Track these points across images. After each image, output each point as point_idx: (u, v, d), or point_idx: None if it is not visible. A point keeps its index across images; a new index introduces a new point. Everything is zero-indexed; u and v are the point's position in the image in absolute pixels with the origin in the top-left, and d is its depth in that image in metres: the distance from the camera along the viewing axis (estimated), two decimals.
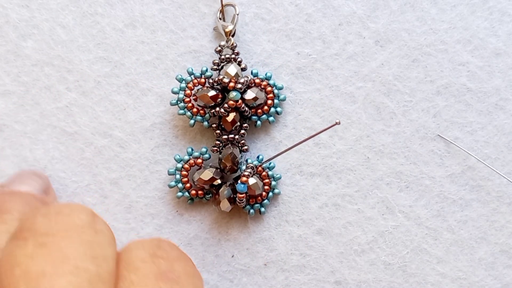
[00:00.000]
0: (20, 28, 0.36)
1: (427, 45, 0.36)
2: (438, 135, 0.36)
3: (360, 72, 0.36)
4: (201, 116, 0.35)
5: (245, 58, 0.36)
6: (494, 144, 0.36)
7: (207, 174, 0.35)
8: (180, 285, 0.23)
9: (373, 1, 0.36)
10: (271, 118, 0.36)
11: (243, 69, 0.35)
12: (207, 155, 0.35)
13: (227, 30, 0.35)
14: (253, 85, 0.35)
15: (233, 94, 0.34)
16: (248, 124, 0.35)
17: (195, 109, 0.35)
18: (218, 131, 0.35)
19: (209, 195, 0.36)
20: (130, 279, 0.22)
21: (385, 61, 0.36)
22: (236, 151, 0.35)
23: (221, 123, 0.35)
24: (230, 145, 0.35)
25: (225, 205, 0.35)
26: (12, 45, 0.36)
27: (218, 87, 0.35)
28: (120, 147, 0.36)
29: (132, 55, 0.36)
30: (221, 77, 0.34)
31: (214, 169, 0.35)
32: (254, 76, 0.35)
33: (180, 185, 0.35)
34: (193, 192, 0.35)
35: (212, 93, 0.34)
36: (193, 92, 0.35)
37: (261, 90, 0.35)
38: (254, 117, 0.35)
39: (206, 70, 0.35)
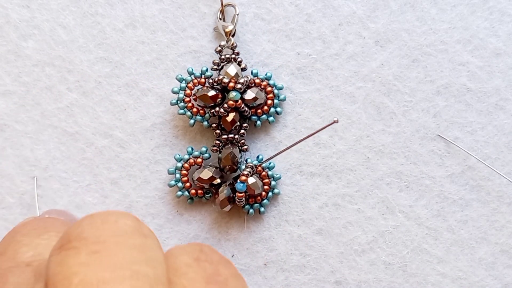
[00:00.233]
0: (20, 28, 0.37)
1: (427, 45, 0.36)
2: (438, 135, 0.36)
3: (360, 72, 0.36)
4: (201, 116, 0.35)
5: (245, 58, 0.36)
6: (494, 144, 0.36)
7: (206, 173, 0.35)
8: (229, 287, 0.23)
9: (373, 1, 0.36)
10: (271, 118, 0.36)
11: (243, 69, 0.35)
12: (207, 155, 0.35)
13: (227, 30, 0.35)
14: (253, 85, 0.35)
15: (233, 94, 0.34)
16: (248, 124, 0.35)
17: (195, 109, 0.35)
18: (218, 131, 0.35)
19: (209, 195, 0.36)
20: (182, 284, 0.22)
21: (385, 61, 0.36)
22: (236, 150, 0.35)
23: (221, 123, 0.35)
24: (230, 144, 0.35)
25: (225, 204, 0.35)
26: (13, 45, 0.37)
27: (218, 87, 0.35)
28: (121, 147, 0.37)
29: (133, 55, 0.36)
30: (221, 77, 0.34)
31: (214, 168, 0.35)
32: (254, 76, 0.35)
33: (180, 184, 0.35)
34: (193, 191, 0.35)
35: (212, 93, 0.34)
36: (193, 92, 0.35)
37: (261, 90, 0.35)
38: (254, 117, 0.36)
39: (206, 70, 0.35)
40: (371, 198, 0.36)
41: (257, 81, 0.35)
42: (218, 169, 0.35)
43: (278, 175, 0.36)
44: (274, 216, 0.36)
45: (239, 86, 0.34)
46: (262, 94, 0.35)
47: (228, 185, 0.35)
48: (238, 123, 0.35)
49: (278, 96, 0.36)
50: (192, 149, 0.36)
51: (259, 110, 0.35)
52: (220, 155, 0.35)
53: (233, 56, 0.35)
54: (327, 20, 0.36)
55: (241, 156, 0.36)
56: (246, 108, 0.35)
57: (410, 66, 0.36)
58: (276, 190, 0.36)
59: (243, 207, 0.35)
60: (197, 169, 0.35)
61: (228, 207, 0.35)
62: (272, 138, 0.36)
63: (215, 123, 0.35)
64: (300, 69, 0.36)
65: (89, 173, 0.37)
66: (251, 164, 0.34)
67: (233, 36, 0.36)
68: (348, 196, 0.36)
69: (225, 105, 0.34)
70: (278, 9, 0.36)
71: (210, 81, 0.35)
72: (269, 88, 0.35)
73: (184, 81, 0.35)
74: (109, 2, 0.37)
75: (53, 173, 0.37)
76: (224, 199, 0.35)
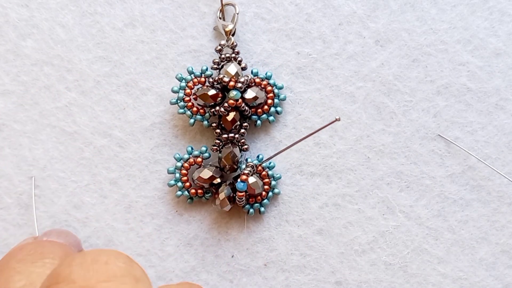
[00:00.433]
0: (19, 27, 0.36)
1: (427, 45, 0.36)
2: (439, 135, 0.36)
3: (360, 72, 0.36)
4: (201, 115, 0.35)
5: (245, 57, 0.36)
6: (494, 144, 0.36)
7: (206, 173, 0.35)
8: None
9: (373, 1, 0.36)
10: (271, 118, 0.36)
11: (243, 69, 0.35)
12: (207, 154, 0.35)
13: (227, 29, 0.35)
14: (253, 84, 0.35)
15: (233, 93, 0.34)
16: (248, 124, 0.35)
17: (195, 108, 0.35)
18: (218, 130, 0.35)
19: (209, 194, 0.36)
20: None
21: (385, 61, 0.36)
22: (236, 150, 0.35)
23: (221, 122, 0.35)
24: (230, 144, 0.35)
25: (225, 204, 0.34)
26: (12, 44, 0.36)
27: (218, 86, 0.35)
28: (120, 146, 0.36)
29: (132, 54, 0.36)
30: (221, 76, 0.34)
31: (214, 168, 0.35)
32: (254, 76, 0.35)
33: (179, 184, 0.35)
34: (193, 191, 0.35)
35: (212, 92, 0.34)
36: (193, 91, 0.35)
37: (261, 90, 0.35)
38: (254, 116, 0.35)
39: (206, 69, 0.35)
40: (372, 198, 0.36)
41: (257, 80, 0.35)
42: (218, 168, 0.35)
43: (278, 175, 0.36)
44: (274, 216, 0.36)
45: (239, 85, 0.34)
46: (262, 93, 0.35)
47: (228, 184, 0.35)
48: (238, 123, 0.35)
49: (278, 96, 0.36)
50: (192, 148, 0.36)
51: (259, 110, 0.35)
52: (220, 154, 0.35)
53: (233, 55, 0.35)
54: (327, 20, 0.36)
55: (241, 155, 0.36)
56: (246, 108, 0.35)
57: (410, 66, 0.36)
58: (276, 190, 0.35)
59: (243, 206, 0.35)
60: (197, 168, 0.35)
61: (228, 207, 0.35)
62: (272, 137, 0.36)
63: (215, 123, 0.35)
64: (300, 68, 0.36)
65: (88, 173, 0.36)
66: (252, 164, 0.34)
67: (233, 35, 0.36)
68: (349, 196, 0.36)
69: (225, 104, 0.34)
70: (278, 9, 0.36)
71: (210, 80, 0.35)
72: (269, 88, 0.35)
73: (184, 80, 0.35)
74: (108, 1, 0.36)
75: (51, 173, 0.36)
76: (224, 199, 0.34)
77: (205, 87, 0.35)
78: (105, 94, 0.36)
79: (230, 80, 0.34)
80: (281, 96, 0.36)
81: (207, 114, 0.35)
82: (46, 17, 0.36)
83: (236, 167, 0.35)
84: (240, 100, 0.34)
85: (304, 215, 0.36)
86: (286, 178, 0.36)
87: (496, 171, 0.36)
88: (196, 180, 0.35)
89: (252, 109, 0.35)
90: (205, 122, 0.35)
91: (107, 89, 0.36)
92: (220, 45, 0.35)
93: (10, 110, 0.36)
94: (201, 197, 0.35)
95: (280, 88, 0.35)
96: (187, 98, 0.35)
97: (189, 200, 0.36)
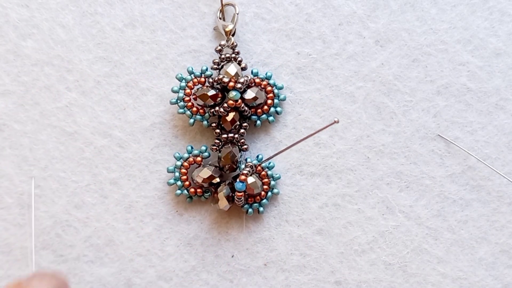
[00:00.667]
0: (20, 27, 0.36)
1: (427, 45, 0.36)
2: (438, 135, 0.36)
3: (360, 72, 0.36)
4: (200, 115, 0.35)
5: (245, 58, 0.36)
6: (494, 144, 0.36)
7: (206, 172, 0.35)
8: None
9: (373, 1, 0.36)
10: (270, 118, 0.36)
11: (243, 69, 0.35)
12: (206, 154, 0.35)
13: (227, 29, 0.35)
14: (253, 84, 0.35)
15: (232, 93, 0.34)
16: (248, 124, 0.35)
17: (194, 108, 0.35)
18: (217, 130, 0.35)
19: (208, 194, 0.36)
20: None
21: (385, 61, 0.36)
22: (236, 150, 0.35)
23: (220, 122, 0.35)
24: (229, 144, 0.35)
25: (224, 203, 0.34)
26: (12, 44, 0.36)
27: (218, 86, 0.35)
28: (120, 147, 0.36)
29: (132, 54, 0.36)
30: (221, 76, 0.34)
31: (213, 167, 0.35)
32: (254, 76, 0.35)
33: (179, 183, 0.35)
34: (192, 190, 0.35)
35: (211, 92, 0.34)
36: (193, 91, 0.35)
37: (261, 90, 0.35)
38: (253, 116, 0.35)
39: (206, 69, 0.35)
40: (371, 198, 0.36)
41: (257, 80, 0.35)
42: (218, 168, 0.35)
43: (277, 175, 0.36)
44: (274, 216, 0.36)
45: (239, 85, 0.34)
46: (262, 93, 0.35)
47: (228, 184, 0.35)
48: (238, 123, 0.35)
49: (278, 96, 0.36)
50: (192, 148, 0.36)
51: (259, 110, 0.35)
52: (219, 154, 0.35)
53: (233, 55, 0.35)
54: (327, 20, 0.36)
55: (241, 155, 0.36)
56: (246, 108, 0.35)
57: (410, 66, 0.36)
58: (275, 190, 0.35)
59: (242, 206, 0.35)
60: (196, 168, 0.35)
61: (227, 206, 0.35)
62: (272, 138, 0.36)
63: (215, 123, 0.35)
64: (300, 68, 0.36)
65: (88, 173, 0.36)
66: (251, 164, 0.34)
67: (233, 35, 0.36)
68: (348, 196, 0.36)
69: (225, 105, 0.34)
70: (278, 9, 0.36)
71: (210, 80, 0.35)
72: (269, 88, 0.35)
73: (184, 80, 0.35)
74: (108, 1, 0.36)
75: (52, 173, 0.36)
76: (223, 198, 0.34)
77: (205, 87, 0.35)
78: (105, 94, 0.36)
79: (229, 81, 0.34)
80: (281, 96, 0.36)
81: (206, 114, 0.35)
82: (47, 17, 0.36)
83: (235, 167, 0.35)
84: (239, 101, 0.34)
85: (304, 215, 0.36)
86: (286, 178, 0.36)
87: (496, 171, 0.36)
88: (195, 180, 0.35)
89: (252, 109, 0.35)
90: (205, 122, 0.35)
91: (107, 89, 0.36)
92: (220, 45, 0.35)
93: (11, 110, 0.36)
94: (200, 196, 0.36)
95: (280, 88, 0.35)
96: (187, 98, 0.35)
97: (188, 199, 0.36)
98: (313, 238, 0.36)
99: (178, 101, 0.35)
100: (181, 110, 0.35)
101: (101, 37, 0.36)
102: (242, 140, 0.35)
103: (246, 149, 0.35)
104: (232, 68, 0.34)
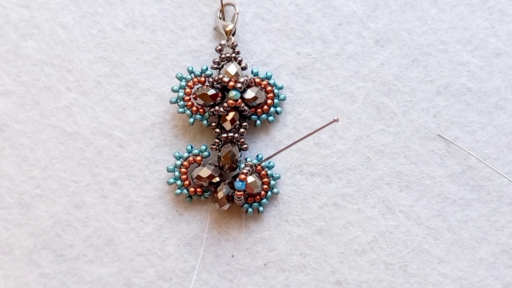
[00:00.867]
0: (20, 28, 0.37)
1: (427, 45, 0.36)
2: (438, 135, 0.36)
3: (360, 72, 0.36)
4: (200, 114, 0.35)
5: (245, 58, 0.36)
6: (494, 144, 0.36)
7: (205, 171, 0.35)
8: None
9: (373, 1, 0.36)
10: (270, 118, 0.36)
11: (243, 69, 0.35)
12: (206, 153, 0.35)
13: (227, 29, 0.35)
14: (253, 84, 0.35)
15: (232, 93, 0.34)
16: (248, 124, 0.35)
17: (194, 108, 0.35)
18: (217, 130, 0.35)
19: (208, 193, 0.36)
20: None
21: (385, 61, 0.36)
22: (235, 149, 0.35)
23: (220, 122, 0.35)
24: (229, 143, 0.35)
25: (223, 203, 0.34)
26: (12, 45, 0.37)
27: (218, 86, 0.35)
28: (120, 147, 0.36)
29: (132, 55, 0.36)
30: (221, 76, 0.34)
31: (213, 166, 0.35)
32: (254, 76, 0.35)
33: (179, 182, 0.35)
34: (192, 189, 0.35)
35: (211, 92, 0.34)
36: (193, 90, 0.35)
37: (261, 90, 0.35)
38: (253, 116, 0.35)
39: (206, 69, 0.35)
40: (371, 198, 0.36)
41: (257, 80, 0.35)
42: (218, 167, 0.35)
43: (277, 175, 0.36)
44: (274, 216, 0.36)
45: (239, 85, 0.34)
46: (262, 93, 0.35)
47: (227, 183, 0.35)
48: (238, 122, 0.35)
49: (278, 96, 0.36)
50: (192, 147, 0.36)
51: (259, 110, 0.35)
52: (219, 153, 0.35)
53: (233, 55, 0.35)
54: (327, 20, 0.36)
55: (241, 155, 0.36)
56: (246, 108, 0.35)
57: (410, 66, 0.36)
58: (275, 190, 0.35)
59: (242, 206, 0.35)
60: (196, 167, 0.35)
61: (227, 206, 0.35)
62: (272, 137, 0.36)
63: (215, 122, 0.35)
64: (300, 68, 0.36)
65: (88, 172, 0.36)
66: (251, 163, 0.34)
67: (233, 35, 0.36)
68: (348, 196, 0.36)
69: (225, 104, 0.34)
70: (278, 9, 0.36)
71: (210, 80, 0.35)
72: (269, 88, 0.35)
73: (184, 80, 0.35)
74: (108, 1, 0.36)
75: (52, 173, 0.36)
76: (223, 198, 0.34)
77: (205, 86, 0.35)
78: (105, 95, 0.36)
79: (229, 80, 0.34)
80: (281, 96, 0.36)
81: (206, 114, 0.35)
82: (47, 18, 0.37)
83: (235, 166, 0.35)
84: (239, 100, 0.34)
85: (304, 215, 0.36)
86: (286, 178, 0.36)
87: (496, 171, 0.36)
88: (195, 179, 0.35)
89: (252, 109, 0.35)
90: (205, 122, 0.35)
91: (107, 89, 0.36)
92: (220, 44, 0.35)
93: (11, 111, 0.36)
94: (200, 195, 0.36)
95: (280, 88, 0.36)
96: (187, 98, 0.35)
97: (188, 198, 0.36)
98: (313, 238, 0.36)
99: (178, 100, 0.35)
100: (181, 110, 0.35)
101: (101, 37, 0.36)
102: (242, 140, 0.35)
103: (246, 149, 0.35)
104: (232, 68, 0.35)
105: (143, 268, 0.36)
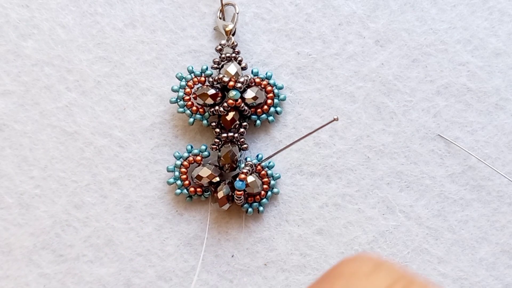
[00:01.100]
0: (20, 28, 0.37)
1: (427, 45, 0.36)
2: (439, 135, 0.36)
3: (360, 72, 0.36)
4: (200, 114, 0.35)
5: (245, 58, 0.36)
6: (494, 144, 0.36)
7: (205, 171, 0.35)
8: None
9: (373, 1, 0.36)
10: (270, 118, 0.36)
11: (243, 68, 0.35)
12: (206, 153, 0.35)
13: (227, 29, 0.35)
14: (253, 84, 0.35)
15: (232, 93, 0.34)
16: (248, 124, 0.35)
17: (194, 108, 0.35)
18: (217, 130, 0.35)
19: (208, 193, 0.36)
20: None
21: (385, 61, 0.36)
22: (235, 149, 0.35)
23: (220, 121, 0.35)
24: (229, 143, 0.35)
25: (223, 202, 0.34)
26: (12, 45, 0.37)
27: (218, 85, 0.35)
28: (120, 147, 0.36)
29: (132, 54, 0.36)
30: (221, 76, 0.34)
31: (213, 166, 0.35)
32: (254, 75, 0.35)
33: (179, 182, 0.35)
34: (192, 189, 0.35)
35: (211, 91, 0.34)
36: (193, 90, 0.35)
37: (261, 90, 0.35)
38: (253, 116, 0.35)
39: (206, 69, 0.35)
40: (372, 198, 0.36)
41: (257, 80, 0.35)
42: (218, 167, 0.35)
43: (277, 175, 0.36)
44: (274, 216, 0.36)
45: (239, 85, 0.34)
46: (262, 93, 0.35)
47: (227, 183, 0.35)
48: (238, 122, 0.35)
49: (278, 96, 0.36)
50: (192, 147, 0.36)
51: (259, 110, 0.35)
52: (219, 153, 0.35)
53: (234, 55, 0.35)
54: (327, 20, 0.36)
55: (241, 154, 0.36)
56: (246, 107, 0.35)
57: (410, 66, 0.36)
58: (275, 190, 0.35)
59: (242, 206, 0.35)
60: (196, 167, 0.35)
61: (227, 206, 0.35)
62: (272, 137, 0.36)
63: (215, 122, 0.35)
64: (300, 68, 0.36)
65: (88, 172, 0.36)
66: (251, 163, 0.34)
67: (233, 35, 0.36)
68: (348, 196, 0.36)
69: (225, 104, 0.34)
70: (278, 9, 0.36)
71: (210, 79, 0.35)
72: (269, 88, 0.35)
73: (184, 79, 0.35)
74: (108, 1, 0.36)
75: (51, 173, 0.36)
76: (223, 197, 0.34)
77: (205, 86, 0.35)
78: (105, 94, 0.36)
79: (229, 80, 0.34)
80: (281, 96, 0.36)
81: (206, 114, 0.35)
82: (47, 18, 0.37)
83: (235, 166, 0.35)
84: (239, 100, 0.34)
85: (304, 215, 0.36)
86: (286, 178, 0.36)
87: (496, 171, 0.36)
88: (195, 179, 0.35)
89: (252, 109, 0.35)
90: (205, 121, 0.35)
91: (107, 89, 0.36)
92: (220, 44, 0.35)
93: (11, 110, 0.36)
94: (200, 195, 0.36)
95: (280, 88, 0.36)
96: (187, 97, 0.35)
97: (188, 198, 0.36)
98: (313, 238, 0.36)
99: (178, 100, 0.35)
100: (181, 109, 0.35)
101: (101, 37, 0.36)
102: (242, 140, 0.35)
103: (246, 148, 0.35)
104: (232, 68, 0.35)
105: (143, 268, 0.36)
